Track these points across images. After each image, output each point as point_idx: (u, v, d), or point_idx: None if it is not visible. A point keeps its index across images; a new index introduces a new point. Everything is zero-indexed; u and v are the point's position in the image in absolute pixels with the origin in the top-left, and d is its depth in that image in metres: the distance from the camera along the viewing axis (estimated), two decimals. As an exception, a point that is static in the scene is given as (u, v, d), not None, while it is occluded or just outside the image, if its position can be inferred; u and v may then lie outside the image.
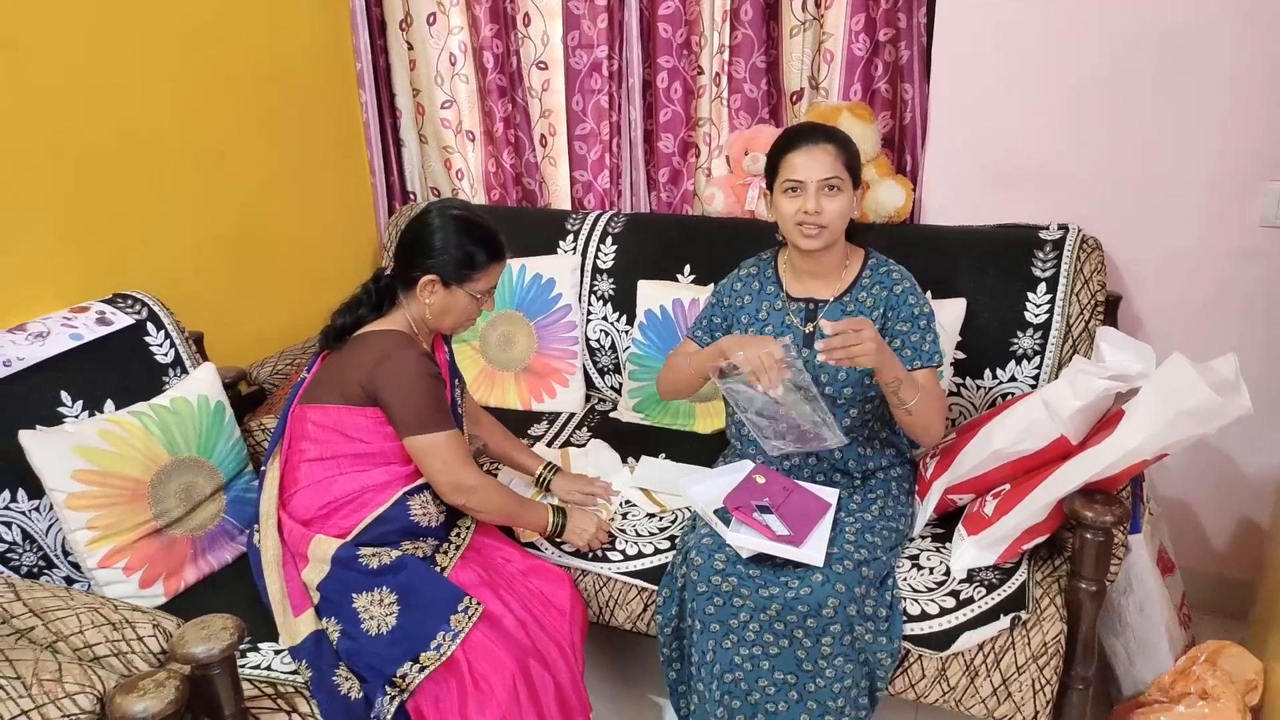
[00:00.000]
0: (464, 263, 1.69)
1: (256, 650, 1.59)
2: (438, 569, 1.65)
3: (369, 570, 1.57)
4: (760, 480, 1.80)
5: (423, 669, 1.50)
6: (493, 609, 1.60)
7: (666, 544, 1.90)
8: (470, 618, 1.55)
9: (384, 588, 1.57)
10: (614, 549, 1.89)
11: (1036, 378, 2.11)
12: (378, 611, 1.54)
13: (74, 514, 1.64)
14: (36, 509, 1.68)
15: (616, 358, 2.51)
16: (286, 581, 1.59)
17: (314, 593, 1.59)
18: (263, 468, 1.73)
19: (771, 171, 1.82)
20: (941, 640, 1.64)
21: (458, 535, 1.77)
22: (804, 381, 1.67)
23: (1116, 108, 2.12)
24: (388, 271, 1.78)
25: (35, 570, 1.67)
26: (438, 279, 1.68)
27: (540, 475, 2.03)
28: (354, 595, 1.56)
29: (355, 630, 1.53)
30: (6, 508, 1.65)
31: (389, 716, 1.47)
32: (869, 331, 1.59)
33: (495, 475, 2.07)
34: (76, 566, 1.71)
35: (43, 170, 1.92)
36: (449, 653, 1.51)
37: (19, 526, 1.66)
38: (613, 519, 1.97)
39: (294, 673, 1.53)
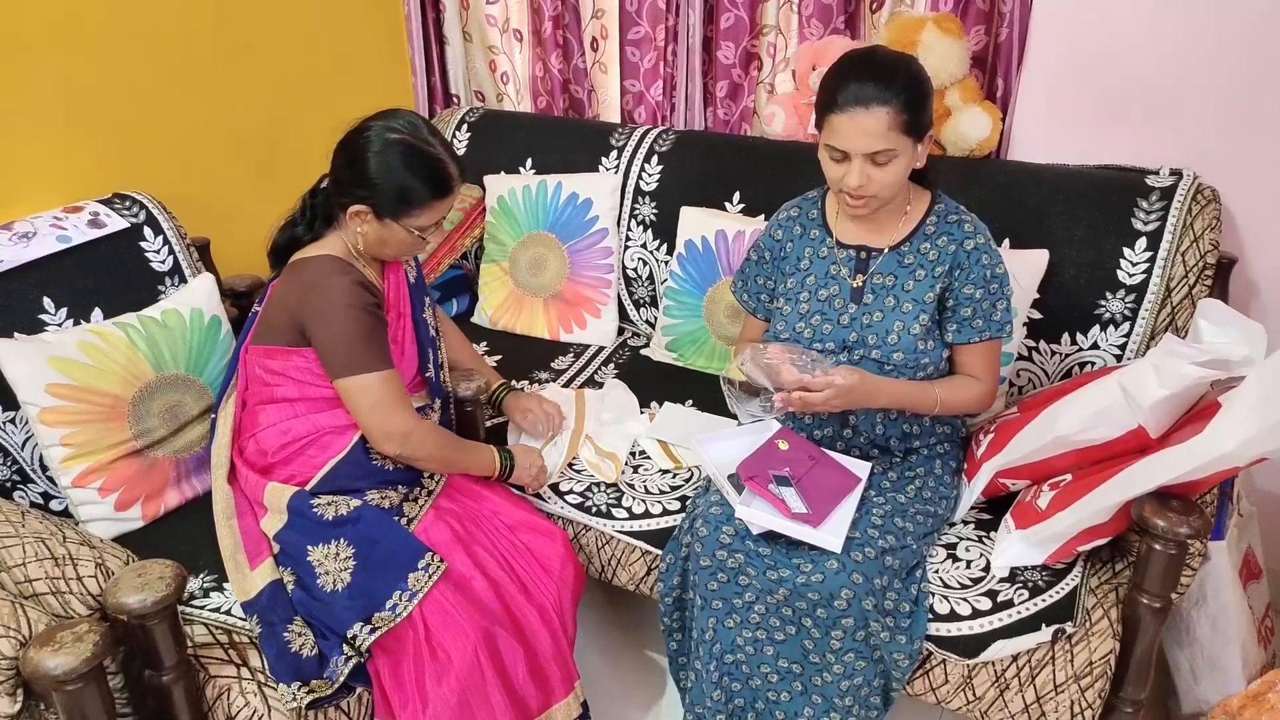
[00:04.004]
0: (400, 198, 1.48)
1: (221, 590, 1.50)
2: (404, 520, 1.52)
3: (324, 521, 1.45)
4: (783, 446, 1.61)
5: (374, 630, 1.38)
6: (461, 570, 1.47)
7: (676, 505, 1.73)
8: (431, 576, 1.42)
9: (341, 540, 1.44)
10: (619, 505, 1.74)
11: (1123, 347, 1.84)
12: (333, 566, 1.42)
13: (48, 429, 1.57)
14: (12, 421, 1.60)
15: (654, 289, 2.31)
16: (243, 533, 1.49)
17: (273, 543, 1.48)
18: (213, 415, 1.61)
19: (819, 116, 1.54)
20: (970, 646, 1.45)
21: (431, 480, 1.63)
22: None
23: (1259, 29, 1.76)
24: (324, 184, 1.60)
25: (9, 485, 1.61)
26: (369, 210, 1.49)
27: (495, 393, 1.90)
28: (309, 548, 1.44)
29: (312, 584, 1.42)
30: (-19, 418, 1.58)
31: (342, 677, 1.36)
32: (817, 398, 1.49)
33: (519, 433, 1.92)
34: (54, 482, 1.64)
35: (46, 56, 1.80)
36: (405, 613, 1.39)
37: (-5, 438, 1.60)
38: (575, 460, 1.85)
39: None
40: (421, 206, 1.50)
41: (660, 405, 2.01)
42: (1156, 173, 1.86)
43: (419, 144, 1.49)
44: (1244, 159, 1.85)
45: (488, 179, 2.44)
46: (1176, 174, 1.84)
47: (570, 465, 1.83)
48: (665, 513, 1.72)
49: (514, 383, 2.05)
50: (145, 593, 1.20)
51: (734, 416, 1.91)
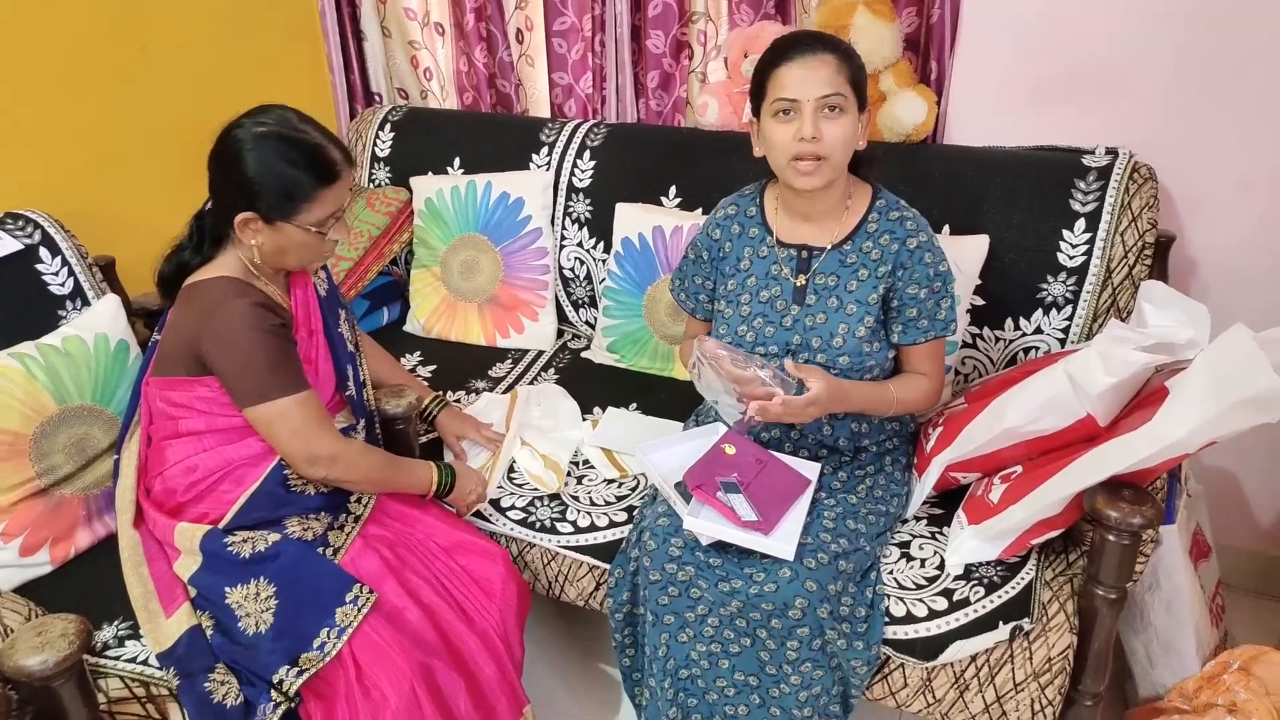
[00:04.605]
0: (285, 194, 1.38)
1: (137, 638, 1.39)
2: (329, 550, 1.43)
3: (241, 559, 1.36)
4: (730, 451, 1.56)
5: (302, 672, 1.30)
6: (392, 600, 1.39)
7: (623, 516, 1.67)
8: (360, 609, 1.34)
9: (261, 578, 1.35)
10: (564, 520, 1.67)
11: (1066, 330, 1.82)
12: (253, 607, 1.33)
13: (-61, 474, 1.45)
14: (-99, 466, 1.48)
15: (593, 289, 2.24)
16: (155, 580, 1.38)
17: (189, 587, 1.38)
18: (116, 455, 1.50)
19: (758, 92, 1.50)
20: (928, 648, 1.41)
21: (358, 504, 1.54)
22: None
23: (1194, 5, 1.75)
24: (208, 205, 1.50)
25: (-97, 535, 1.48)
26: (257, 216, 1.39)
27: (427, 408, 1.82)
28: (227, 589, 1.35)
29: (232, 628, 1.33)
30: None
31: (271, 727, 1.28)
32: (784, 411, 1.44)
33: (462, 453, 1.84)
34: (-47, 530, 1.51)
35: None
36: (334, 652, 1.31)
37: (-115, 484, 1.47)
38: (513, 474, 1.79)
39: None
40: (309, 200, 1.39)
41: (603, 411, 1.94)
42: (1092, 152, 1.84)
43: (291, 134, 1.39)
44: (1177, 135, 1.84)
45: (414, 180, 2.34)
46: (1112, 153, 1.82)
47: (510, 478, 1.76)
48: (612, 525, 1.65)
49: (449, 394, 1.97)
50: (46, 653, 1.10)
51: (679, 419, 1.86)
